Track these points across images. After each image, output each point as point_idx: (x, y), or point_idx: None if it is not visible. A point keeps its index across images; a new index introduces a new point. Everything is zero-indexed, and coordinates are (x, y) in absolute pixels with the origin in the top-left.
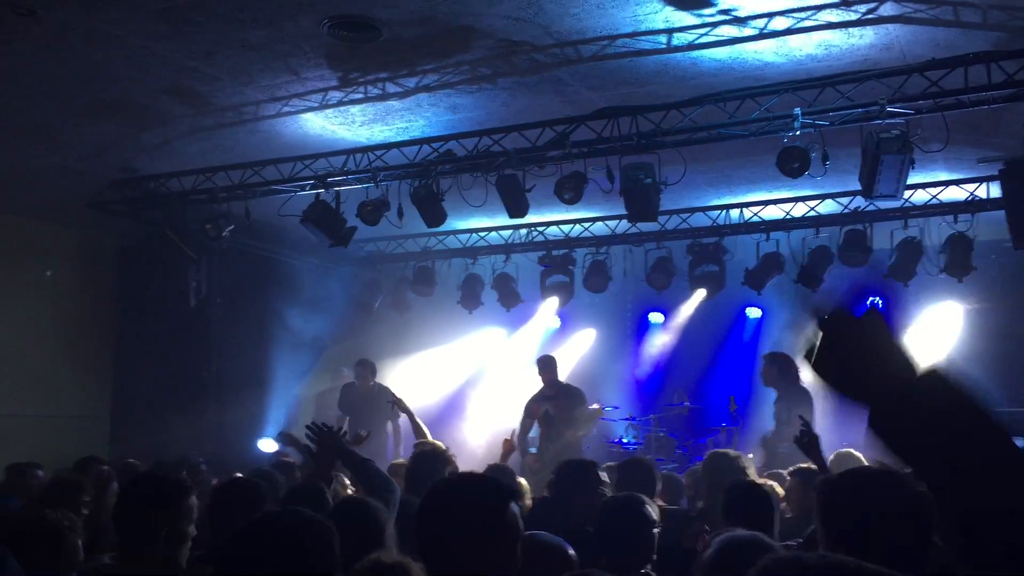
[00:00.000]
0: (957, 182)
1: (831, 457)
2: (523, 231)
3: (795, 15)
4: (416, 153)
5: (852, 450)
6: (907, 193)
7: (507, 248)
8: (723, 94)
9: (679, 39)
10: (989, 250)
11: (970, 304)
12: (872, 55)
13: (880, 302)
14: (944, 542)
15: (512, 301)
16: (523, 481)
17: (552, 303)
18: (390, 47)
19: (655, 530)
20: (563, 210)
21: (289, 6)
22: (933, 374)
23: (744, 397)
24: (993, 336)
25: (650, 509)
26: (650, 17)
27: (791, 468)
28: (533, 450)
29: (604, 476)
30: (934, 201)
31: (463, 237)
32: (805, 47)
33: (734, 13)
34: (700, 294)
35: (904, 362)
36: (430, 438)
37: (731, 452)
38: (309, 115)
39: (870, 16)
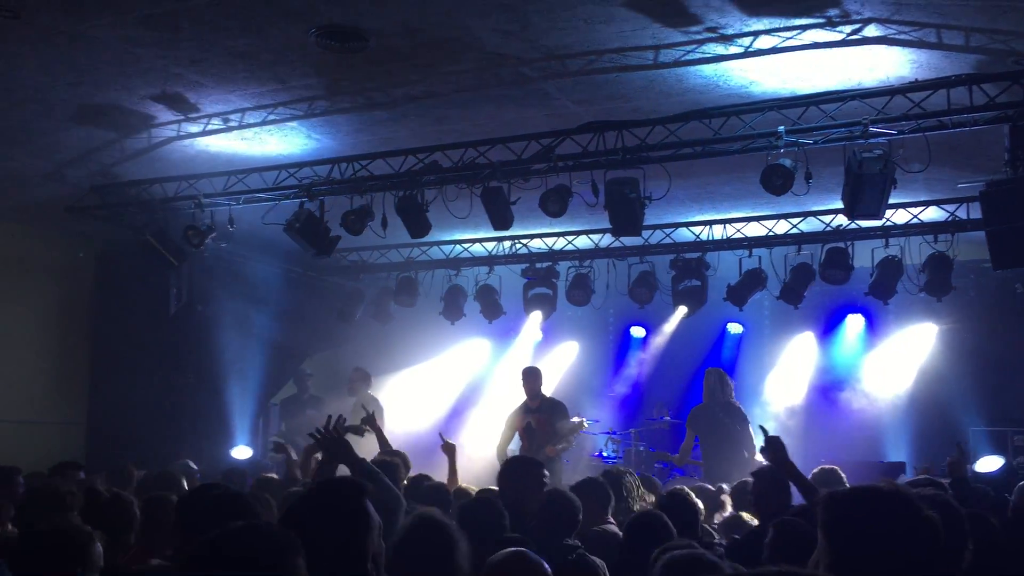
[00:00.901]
0: (938, 202)
1: (815, 472)
2: (507, 243)
3: (780, 34)
4: (401, 163)
5: (836, 467)
6: (888, 212)
7: (490, 260)
8: (708, 111)
9: (665, 55)
10: (968, 270)
11: (949, 324)
12: (856, 75)
13: None
14: None
15: (494, 313)
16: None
17: (538, 316)
18: (377, 57)
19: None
20: (547, 223)
21: (276, 14)
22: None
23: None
24: (971, 355)
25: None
26: (637, 33)
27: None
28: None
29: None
30: (915, 221)
31: (446, 248)
32: (790, 66)
33: (720, 31)
34: (683, 309)
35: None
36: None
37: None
38: (295, 123)
39: (854, 37)
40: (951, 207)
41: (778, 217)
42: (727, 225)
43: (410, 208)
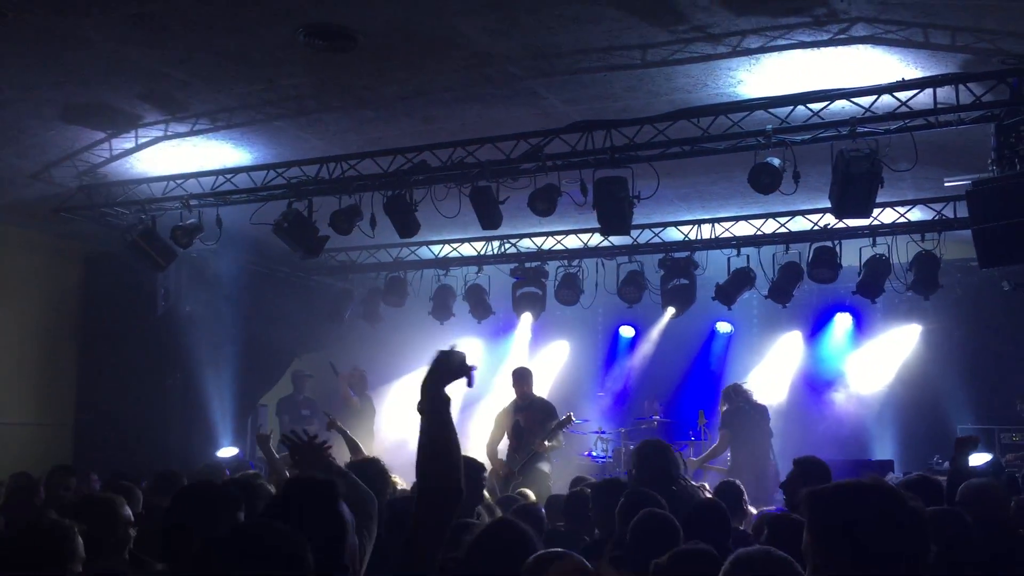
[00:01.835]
0: (925, 201)
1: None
2: (496, 243)
3: (768, 34)
4: (390, 163)
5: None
6: (876, 211)
7: (480, 260)
8: (696, 110)
9: (653, 55)
10: (955, 269)
11: (936, 322)
12: (843, 74)
13: None
14: None
15: (484, 313)
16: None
17: (529, 316)
18: (365, 56)
19: None
20: (536, 223)
21: (265, 14)
22: None
23: (714, 411)
24: (958, 354)
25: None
26: (625, 33)
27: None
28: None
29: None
30: (902, 220)
31: (435, 248)
32: (777, 65)
33: (708, 30)
34: (672, 309)
35: None
36: (365, 453)
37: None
38: (282, 123)
39: (842, 36)
40: (938, 206)
41: (766, 216)
42: (716, 224)
43: (399, 208)
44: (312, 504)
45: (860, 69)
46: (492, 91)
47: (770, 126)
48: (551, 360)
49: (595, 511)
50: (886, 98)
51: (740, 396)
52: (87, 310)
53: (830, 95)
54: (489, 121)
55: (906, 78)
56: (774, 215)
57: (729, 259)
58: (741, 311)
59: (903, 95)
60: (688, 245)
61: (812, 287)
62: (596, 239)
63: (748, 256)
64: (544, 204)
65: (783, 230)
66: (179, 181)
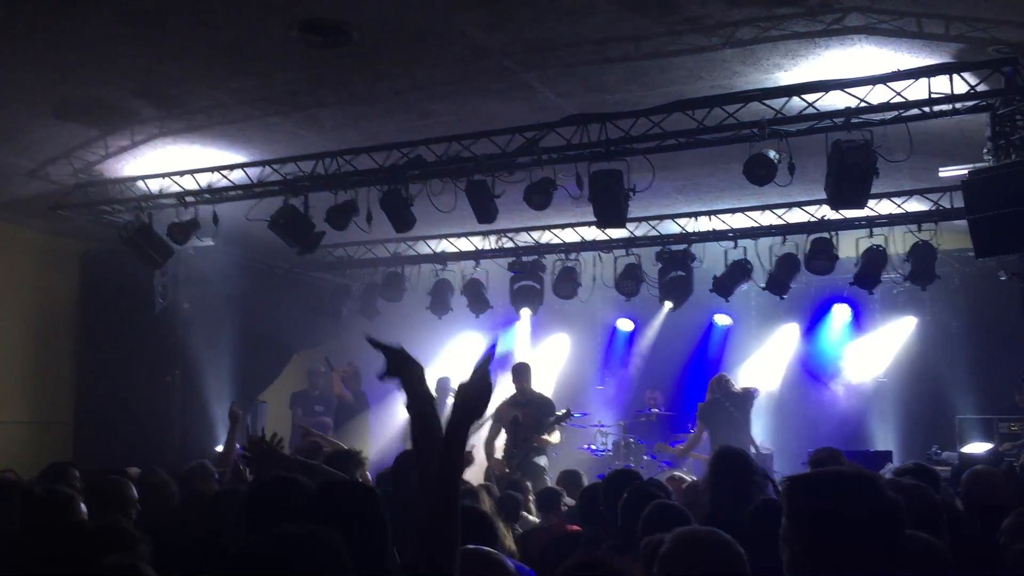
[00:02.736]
0: (921, 192)
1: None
2: (493, 237)
3: (761, 24)
4: (385, 158)
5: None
6: (872, 202)
7: (477, 254)
8: (691, 102)
9: (647, 46)
10: (952, 259)
11: (933, 312)
12: (837, 65)
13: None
14: None
15: (482, 307)
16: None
17: (527, 310)
18: (360, 51)
19: None
20: (533, 217)
21: (259, 9)
22: None
23: None
24: (956, 344)
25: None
26: (619, 25)
27: None
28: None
29: None
30: (899, 210)
31: (433, 243)
32: (772, 56)
33: (702, 21)
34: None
35: None
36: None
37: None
38: (278, 119)
39: (835, 26)
40: (934, 196)
41: (763, 208)
42: (712, 216)
43: (395, 203)
44: (352, 509)
45: (854, 60)
46: (487, 85)
47: (765, 118)
48: (550, 353)
49: (607, 505)
50: (881, 89)
51: (720, 388)
52: (84, 308)
53: (825, 86)
54: (484, 115)
55: (900, 68)
56: (771, 207)
57: (726, 251)
58: (739, 303)
59: (898, 85)
60: (685, 238)
61: (810, 279)
62: (593, 232)
63: (745, 248)
64: (540, 198)
65: (780, 222)
66: (175, 178)
